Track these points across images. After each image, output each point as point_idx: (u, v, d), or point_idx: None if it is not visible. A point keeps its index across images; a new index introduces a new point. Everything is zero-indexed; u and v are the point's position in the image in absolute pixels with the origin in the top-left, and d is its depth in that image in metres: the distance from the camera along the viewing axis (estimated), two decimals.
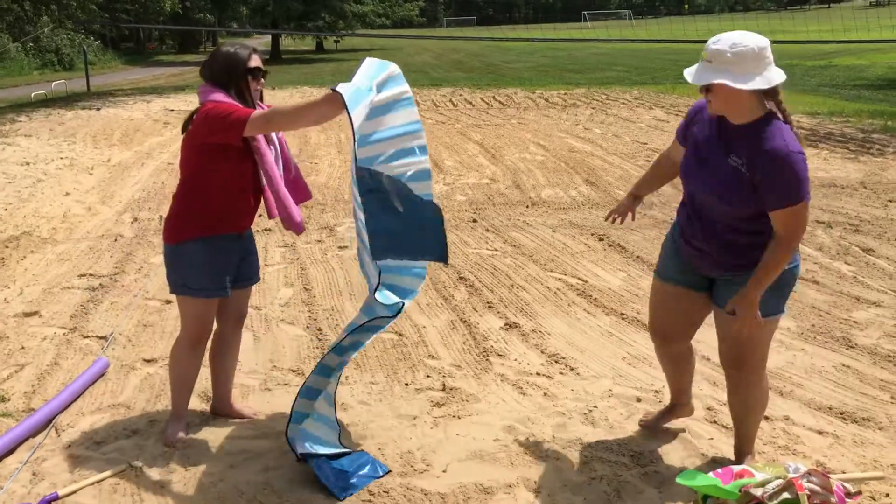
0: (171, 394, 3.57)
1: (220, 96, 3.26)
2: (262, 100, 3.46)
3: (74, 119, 15.15)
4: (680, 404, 3.62)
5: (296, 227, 3.47)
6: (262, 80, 3.40)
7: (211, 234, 3.34)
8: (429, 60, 34.43)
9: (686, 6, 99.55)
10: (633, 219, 3.67)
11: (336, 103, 2.99)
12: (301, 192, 3.62)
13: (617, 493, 3.13)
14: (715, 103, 2.82)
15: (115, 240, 6.73)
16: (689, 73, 2.80)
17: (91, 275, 5.81)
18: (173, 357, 3.55)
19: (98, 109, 16.75)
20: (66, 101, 18.99)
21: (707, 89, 2.78)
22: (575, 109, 15.95)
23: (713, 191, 2.93)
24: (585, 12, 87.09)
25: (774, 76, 2.75)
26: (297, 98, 19.17)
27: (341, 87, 2.97)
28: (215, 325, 3.58)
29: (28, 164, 10.27)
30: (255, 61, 3.36)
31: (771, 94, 2.80)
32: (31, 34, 21.07)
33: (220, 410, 3.73)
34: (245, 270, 3.56)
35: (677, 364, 3.54)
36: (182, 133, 3.36)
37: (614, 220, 3.61)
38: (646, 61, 29.86)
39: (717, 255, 3.04)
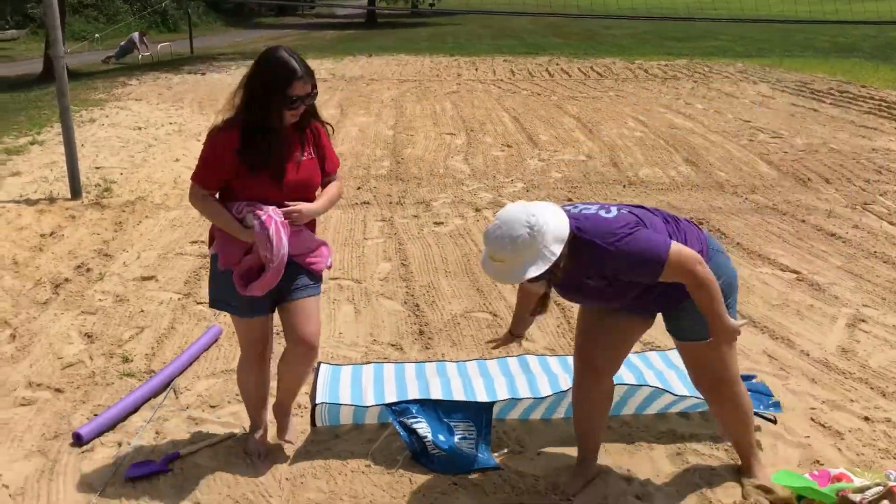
0: None
1: (220, 129, 2.95)
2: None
3: (181, 84, 15.72)
4: (591, 460, 3.23)
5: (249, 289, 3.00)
6: (304, 106, 2.97)
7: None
8: (525, 24, 33.99)
9: None
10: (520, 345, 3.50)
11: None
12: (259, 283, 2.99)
13: (708, 484, 3.17)
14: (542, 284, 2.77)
15: None
16: (495, 276, 2.69)
17: (202, 241, 6.11)
18: (237, 370, 3.41)
19: (203, 74, 17.31)
20: (172, 64, 19.69)
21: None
22: (676, 82, 15.58)
23: (601, 301, 2.90)
24: None
25: (559, 236, 2.59)
26: (394, 66, 19.33)
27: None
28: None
29: (140, 128, 10.76)
30: (298, 88, 2.90)
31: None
32: None
33: (278, 419, 3.37)
34: (285, 288, 3.10)
35: (603, 406, 3.14)
36: None
37: (496, 346, 3.43)
38: (752, 30, 28.70)
39: (653, 306, 2.96)
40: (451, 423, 3.36)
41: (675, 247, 2.66)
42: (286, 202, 3.00)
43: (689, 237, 2.87)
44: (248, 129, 2.93)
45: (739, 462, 3.23)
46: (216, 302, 3.18)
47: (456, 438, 3.32)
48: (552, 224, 2.60)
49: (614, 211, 2.79)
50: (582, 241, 2.67)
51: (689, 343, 2.93)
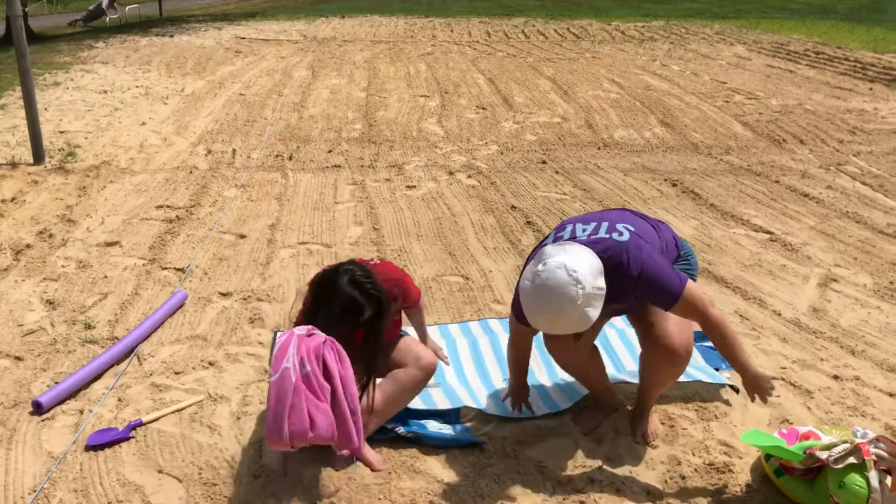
0: None
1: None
2: None
3: (149, 46, 15.37)
4: (606, 399, 3.36)
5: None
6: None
7: None
8: None
9: None
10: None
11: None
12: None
13: (681, 446, 3.16)
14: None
15: (190, 172, 6.90)
16: (568, 331, 2.75)
17: (168, 206, 5.99)
18: None
19: (171, 37, 16.94)
20: (141, 26, 19.26)
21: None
22: (652, 44, 15.46)
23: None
24: None
25: (596, 270, 2.71)
26: (367, 27, 19.03)
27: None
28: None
29: (105, 91, 10.51)
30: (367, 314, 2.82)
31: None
32: None
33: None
34: None
35: (593, 365, 3.28)
36: None
37: (520, 409, 3.34)
38: None
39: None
40: (423, 422, 3.28)
41: (690, 286, 2.80)
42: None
43: (667, 239, 3.08)
44: None
45: (643, 416, 3.22)
46: None
47: (429, 427, 3.25)
48: (587, 263, 2.70)
49: (625, 233, 2.88)
50: (611, 265, 2.78)
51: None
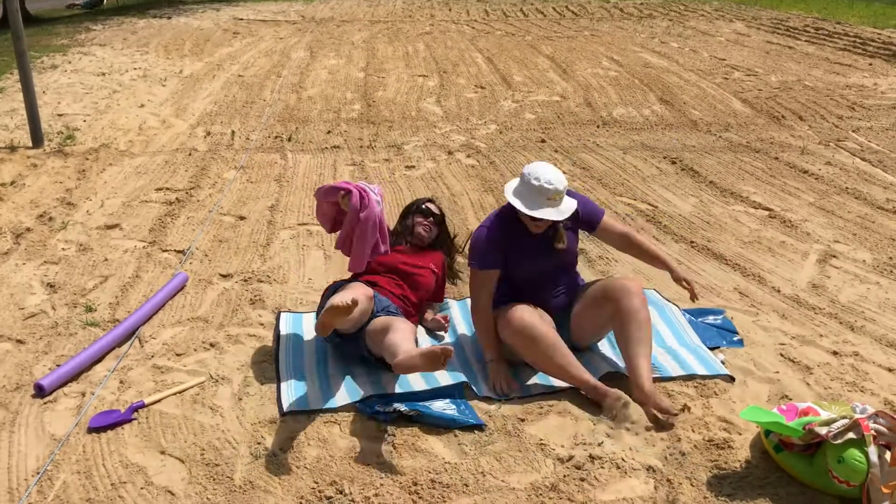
0: None
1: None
2: None
3: (146, 28, 15.28)
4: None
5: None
6: (431, 219, 4.10)
7: None
8: None
9: None
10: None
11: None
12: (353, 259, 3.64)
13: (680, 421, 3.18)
14: (542, 225, 3.46)
15: (190, 154, 6.88)
16: (555, 215, 3.36)
17: (167, 189, 5.98)
18: None
19: (169, 18, 16.84)
20: (138, 8, 19.14)
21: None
22: (651, 21, 15.37)
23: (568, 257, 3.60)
24: None
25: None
26: (366, 7, 18.88)
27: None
28: None
29: (104, 74, 10.46)
30: (429, 205, 4.16)
31: None
32: None
33: None
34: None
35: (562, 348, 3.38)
36: None
37: (504, 389, 3.38)
38: None
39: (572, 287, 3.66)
40: (427, 403, 3.28)
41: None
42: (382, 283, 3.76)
43: None
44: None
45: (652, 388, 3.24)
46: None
47: (432, 408, 3.25)
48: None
49: None
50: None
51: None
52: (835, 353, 3.72)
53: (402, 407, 3.18)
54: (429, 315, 3.92)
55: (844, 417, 2.75)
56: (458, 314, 4.04)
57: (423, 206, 4.14)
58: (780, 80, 9.81)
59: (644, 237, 3.53)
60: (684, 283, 3.59)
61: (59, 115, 8.20)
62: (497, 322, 3.46)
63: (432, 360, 2.90)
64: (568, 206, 3.41)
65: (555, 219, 3.36)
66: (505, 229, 3.50)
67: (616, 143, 7.18)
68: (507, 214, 3.53)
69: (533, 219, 3.42)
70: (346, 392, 3.33)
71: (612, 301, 3.40)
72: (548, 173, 3.36)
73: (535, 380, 3.45)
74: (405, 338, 3.23)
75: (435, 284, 3.95)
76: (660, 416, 3.15)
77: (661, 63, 10.87)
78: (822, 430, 2.72)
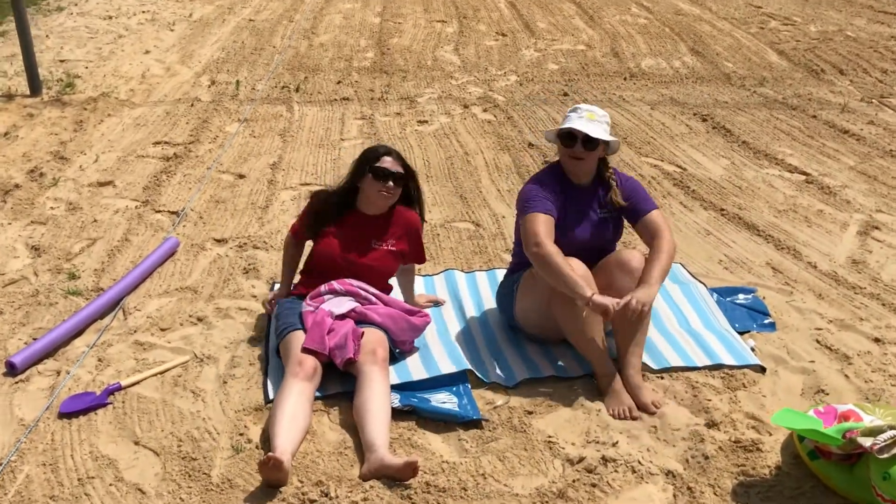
0: None
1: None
2: None
3: None
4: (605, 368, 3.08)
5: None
6: (391, 184, 3.25)
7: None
8: None
9: None
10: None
11: None
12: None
13: (705, 411, 2.89)
14: (590, 161, 3.20)
15: (192, 104, 6.56)
16: (583, 124, 3.10)
17: (166, 143, 5.68)
18: None
19: None
20: None
21: (592, 146, 3.14)
22: None
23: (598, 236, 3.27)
24: None
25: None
26: None
27: None
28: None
29: (110, 17, 10.09)
30: (388, 163, 3.26)
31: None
32: None
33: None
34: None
35: (594, 324, 3.07)
36: None
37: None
38: None
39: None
40: (426, 396, 3.00)
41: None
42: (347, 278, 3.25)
43: None
44: (334, 193, 3.37)
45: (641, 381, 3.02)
46: None
47: (432, 402, 2.98)
48: None
49: None
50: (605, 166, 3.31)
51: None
52: (877, 339, 3.38)
53: (395, 402, 2.90)
54: (421, 299, 3.61)
55: (893, 427, 2.43)
56: (465, 288, 3.74)
57: (378, 167, 3.24)
58: (819, 29, 9.24)
59: (664, 259, 3.01)
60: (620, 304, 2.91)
61: (61, 62, 7.88)
62: (542, 270, 3.00)
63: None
64: (602, 130, 3.15)
65: (582, 129, 3.07)
66: (557, 180, 3.21)
67: (643, 98, 6.75)
68: (558, 170, 3.26)
69: (566, 145, 3.15)
70: (339, 380, 3.06)
71: (617, 270, 3.13)
72: (587, 104, 3.33)
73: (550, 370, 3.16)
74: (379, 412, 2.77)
75: (398, 259, 3.38)
76: (634, 412, 2.91)
77: (694, 10, 10.31)
78: (867, 442, 2.40)
